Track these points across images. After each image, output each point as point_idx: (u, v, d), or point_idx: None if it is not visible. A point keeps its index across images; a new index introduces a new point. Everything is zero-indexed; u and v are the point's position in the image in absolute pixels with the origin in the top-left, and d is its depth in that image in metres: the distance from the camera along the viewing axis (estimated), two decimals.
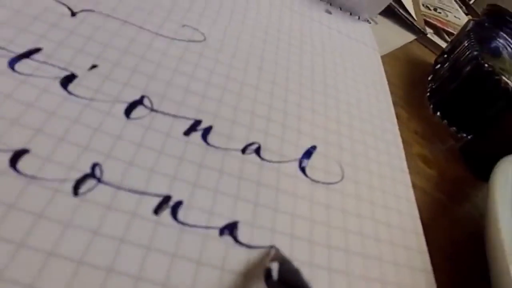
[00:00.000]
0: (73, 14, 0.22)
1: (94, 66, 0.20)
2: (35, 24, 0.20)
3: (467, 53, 0.31)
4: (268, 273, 0.15)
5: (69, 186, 0.15)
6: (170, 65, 0.22)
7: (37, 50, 0.19)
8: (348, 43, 0.33)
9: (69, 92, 0.18)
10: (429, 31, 0.47)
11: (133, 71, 0.21)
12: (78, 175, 0.16)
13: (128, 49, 0.22)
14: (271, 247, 0.17)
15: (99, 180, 0.16)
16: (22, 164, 0.15)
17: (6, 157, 0.15)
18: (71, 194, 0.15)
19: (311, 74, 0.27)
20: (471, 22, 0.35)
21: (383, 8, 0.38)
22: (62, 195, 0.15)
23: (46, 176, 0.15)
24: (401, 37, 0.42)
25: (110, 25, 0.22)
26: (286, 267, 0.15)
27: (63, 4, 0.22)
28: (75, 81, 0.19)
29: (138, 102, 0.20)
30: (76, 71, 0.19)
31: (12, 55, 0.18)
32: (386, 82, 0.31)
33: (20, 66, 0.18)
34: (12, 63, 0.18)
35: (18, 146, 0.15)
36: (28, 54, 0.19)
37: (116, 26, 0.23)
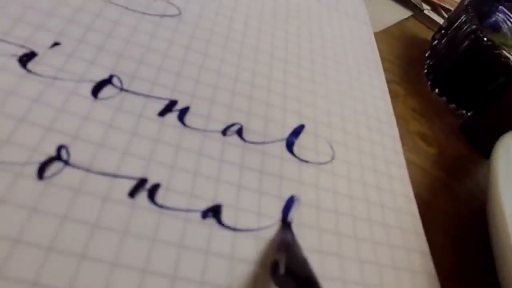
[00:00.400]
0: None
1: (56, 44, 0.20)
2: None
3: (465, 27, 0.32)
4: (275, 266, 0.15)
5: (33, 169, 0.16)
6: (141, 42, 0.23)
7: None
8: (338, 17, 0.34)
9: (29, 70, 0.19)
10: (425, 7, 0.48)
11: (99, 49, 0.21)
12: (42, 158, 0.16)
13: (93, 25, 0.22)
14: (282, 220, 0.18)
15: (66, 163, 0.16)
16: None
17: None
18: (35, 178, 0.15)
19: (297, 50, 0.28)
20: None
21: None
22: (25, 179, 0.15)
23: (6, 159, 0.15)
24: (396, 13, 0.43)
25: None
26: (294, 258, 0.16)
27: None
28: (35, 59, 0.19)
29: (107, 81, 0.20)
30: (36, 49, 0.20)
31: None
32: (379, 59, 0.32)
33: None
34: None
35: None
36: None
37: (80, 1, 0.23)
